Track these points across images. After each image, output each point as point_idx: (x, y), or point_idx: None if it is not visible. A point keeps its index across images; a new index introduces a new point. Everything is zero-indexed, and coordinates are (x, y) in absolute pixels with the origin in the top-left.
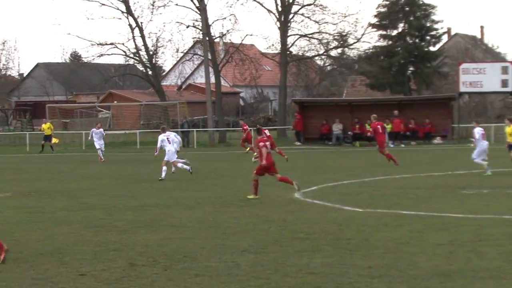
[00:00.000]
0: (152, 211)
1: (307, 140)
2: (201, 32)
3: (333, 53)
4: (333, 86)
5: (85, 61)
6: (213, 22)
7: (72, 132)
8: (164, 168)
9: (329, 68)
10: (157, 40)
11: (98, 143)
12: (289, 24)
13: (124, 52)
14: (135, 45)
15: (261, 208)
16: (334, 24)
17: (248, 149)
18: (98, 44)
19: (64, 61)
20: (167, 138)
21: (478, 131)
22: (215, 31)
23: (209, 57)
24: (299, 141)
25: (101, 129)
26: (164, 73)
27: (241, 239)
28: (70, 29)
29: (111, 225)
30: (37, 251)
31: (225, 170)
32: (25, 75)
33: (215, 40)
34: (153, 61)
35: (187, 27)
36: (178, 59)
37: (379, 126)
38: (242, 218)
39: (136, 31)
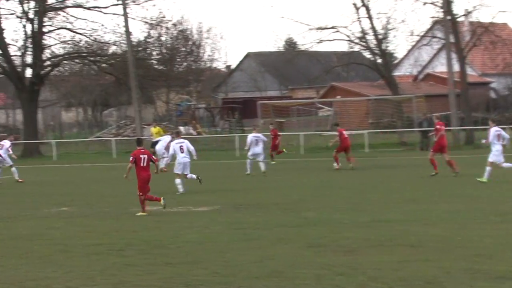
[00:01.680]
0: (385, 228)
1: None
2: (441, 10)
3: None
4: None
5: (302, 48)
6: None
7: (288, 134)
8: (178, 181)
9: None
10: (387, 21)
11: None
12: None
13: (348, 37)
14: (361, 28)
15: None
16: None
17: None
18: (317, 29)
19: (278, 50)
20: (180, 146)
21: (493, 132)
22: (458, 8)
23: (452, 40)
24: None
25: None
26: (396, 61)
27: (497, 263)
28: (284, 12)
29: (336, 244)
30: (251, 274)
31: (475, 177)
32: (233, 67)
33: (459, 19)
34: (383, 47)
35: (424, 4)
36: (413, 43)
37: (443, 127)
38: (498, 237)
39: (362, 11)
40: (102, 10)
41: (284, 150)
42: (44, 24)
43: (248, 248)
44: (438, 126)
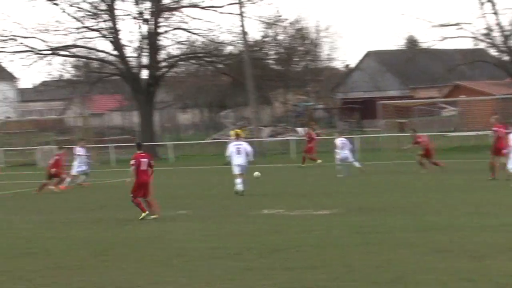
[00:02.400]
0: None
1: None
2: None
3: None
4: None
5: (424, 46)
6: None
7: (410, 135)
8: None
9: None
10: None
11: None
12: None
13: (473, 33)
14: (486, 24)
15: None
16: None
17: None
18: (439, 26)
19: (399, 48)
20: (237, 148)
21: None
22: None
23: None
24: None
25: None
26: None
27: None
28: (405, 9)
29: (462, 249)
30: (373, 279)
31: None
32: (352, 66)
33: None
34: (510, 44)
35: None
36: None
37: (502, 130)
38: None
39: (487, 6)
40: (218, 9)
41: (319, 160)
42: (160, 24)
43: (369, 252)
44: (495, 129)
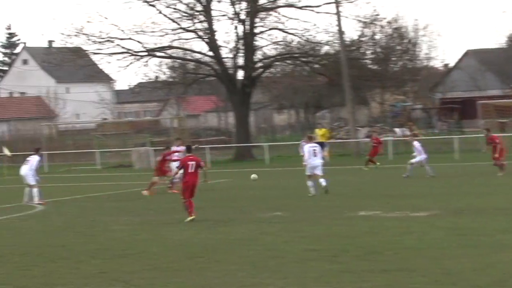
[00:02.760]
0: None
1: None
2: None
3: None
4: None
5: None
6: None
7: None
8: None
9: None
10: None
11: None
12: None
13: None
14: None
15: None
16: None
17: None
18: None
19: (500, 47)
20: (313, 150)
21: None
22: None
23: None
24: None
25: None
26: None
27: None
28: (506, 6)
29: None
30: (473, 283)
31: None
32: (451, 65)
33: None
34: None
35: None
36: None
37: None
38: None
39: None
40: (315, 9)
41: (378, 163)
42: (256, 25)
43: (468, 255)
44: None
